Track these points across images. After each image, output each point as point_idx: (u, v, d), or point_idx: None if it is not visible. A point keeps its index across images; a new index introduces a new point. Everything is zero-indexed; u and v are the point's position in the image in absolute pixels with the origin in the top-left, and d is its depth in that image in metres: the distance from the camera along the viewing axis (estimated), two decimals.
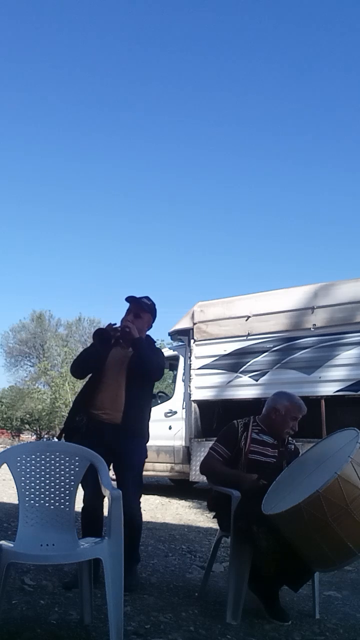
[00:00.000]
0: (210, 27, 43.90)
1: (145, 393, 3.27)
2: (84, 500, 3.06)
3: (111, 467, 3.13)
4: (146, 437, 3.24)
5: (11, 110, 44.93)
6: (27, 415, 31.78)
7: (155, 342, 3.45)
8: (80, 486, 2.69)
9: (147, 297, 3.36)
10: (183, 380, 8.01)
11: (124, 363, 3.19)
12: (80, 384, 21.79)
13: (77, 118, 46.25)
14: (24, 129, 46.79)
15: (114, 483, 3.10)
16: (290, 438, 3.10)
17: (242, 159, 47.53)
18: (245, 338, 7.32)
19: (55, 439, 3.89)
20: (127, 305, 3.35)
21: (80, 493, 2.70)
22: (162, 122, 46.95)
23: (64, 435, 3.22)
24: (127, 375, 3.15)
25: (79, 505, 2.75)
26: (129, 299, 3.33)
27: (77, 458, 2.58)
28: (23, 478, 2.50)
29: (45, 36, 44.32)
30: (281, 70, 45.22)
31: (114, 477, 3.09)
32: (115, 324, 3.24)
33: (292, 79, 45.84)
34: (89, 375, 3.30)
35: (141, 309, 3.30)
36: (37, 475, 2.53)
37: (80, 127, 46.92)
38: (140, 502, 3.18)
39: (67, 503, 2.54)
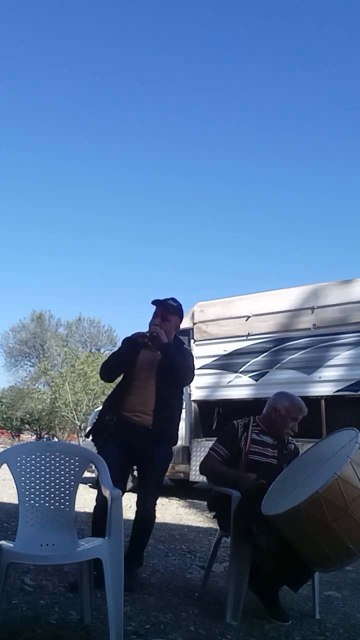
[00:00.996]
0: (210, 26, 43.88)
1: (176, 395, 3.26)
2: (97, 500, 3.06)
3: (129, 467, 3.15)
4: (174, 440, 3.26)
5: (10, 108, 44.92)
6: (27, 415, 31.79)
7: (184, 343, 3.42)
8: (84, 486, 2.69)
9: (173, 299, 3.35)
10: None
11: (153, 366, 3.18)
12: (80, 385, 21.89)
13: (76, 117, 46.23)
14: (24, 128, 46.80)
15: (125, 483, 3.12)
16: (290, 438, 3.10)
17: (242, 158, 47.56)
18: (245, 338, 7.32)
19: (84, 437, 3.94)
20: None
21: (80, 493, 2.70)
22: (161, 120, 46.95)
23: (91, 433, 3.24)
24: (156, 379, 3.15)
25: (79, 505, 2.75)
26: (156, 303, 3.32)
27: (77, 458, 2.57)
28: (23, 478, 2.50)
29: (45, 35, 44.26)
30: (282, 69, 45.23)
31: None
32: (143, 333, 3.23)
33: (294, 77, 45.85)
34: (120, 378, 3.30)
35: (168, 312, 3.29)
36: (37, 475, 2.52)
37: (80, 126, 46.93)
38: (156, 505, 3.19)
39: (67, 503, 2.53)
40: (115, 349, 3.50)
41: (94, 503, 3.11)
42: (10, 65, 44.84)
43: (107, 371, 3.32)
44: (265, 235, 49.19)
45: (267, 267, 48.62)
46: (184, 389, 8.06)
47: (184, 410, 7.73)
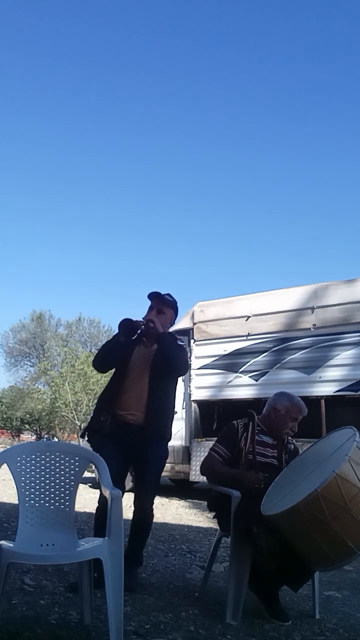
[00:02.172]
0: (210, 17, 43.78)
1: (169, 392, 3.25)
2: (99, 501, 3.06)
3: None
4: (168, 437, 3.25)
5: (11, 102, 44.81)
6: (27, 415, 31.81)
7: (178, 339, 3.44)
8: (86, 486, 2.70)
9: (169, 294, 3.35)
10: (183, 380, 8.01)
11: (147, 362, 3.18)
12: (80, 385, 21.87)
13: (77, 112, 46.12)
14: (24, 121, 46.51)
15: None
16: (290, 438, 3.10)
17: (243, 159, 47.53)
18: (245, 338, 7.33)
19: (80, 438, 3.91)
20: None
21: (80, 493, 2.70)
22: (162, 113, 46.77)
23: (87, 434, 3.24)
24: (150, 375, 3.15)
25: (79, 505, 2.75)
26: (152, 295, 3.32)
27: (77, 458, 2.58)
28: (23, 478, 2.50)
29: (45, 27, 43.99)
30: (282, 61, 45.10)
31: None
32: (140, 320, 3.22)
33: (295, 69, 45.79)
34: (113, 375, 3.29)
35: (164, 305, 3.29)
36: (37, 475, 2.53)
37: (81, 123, 46.82)
38: (153, 503, 3.19)
39: (67, 503, 2.54)
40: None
41: (94, 503, 3.11)
42: (10, 57, 44.62)
43: (102, 360, 3.29)
44: (265, 235, 49.26)
45: (267, 267, 48.67)
46: (184, 389, 8.11)
47: (184, 411, 7.82)
